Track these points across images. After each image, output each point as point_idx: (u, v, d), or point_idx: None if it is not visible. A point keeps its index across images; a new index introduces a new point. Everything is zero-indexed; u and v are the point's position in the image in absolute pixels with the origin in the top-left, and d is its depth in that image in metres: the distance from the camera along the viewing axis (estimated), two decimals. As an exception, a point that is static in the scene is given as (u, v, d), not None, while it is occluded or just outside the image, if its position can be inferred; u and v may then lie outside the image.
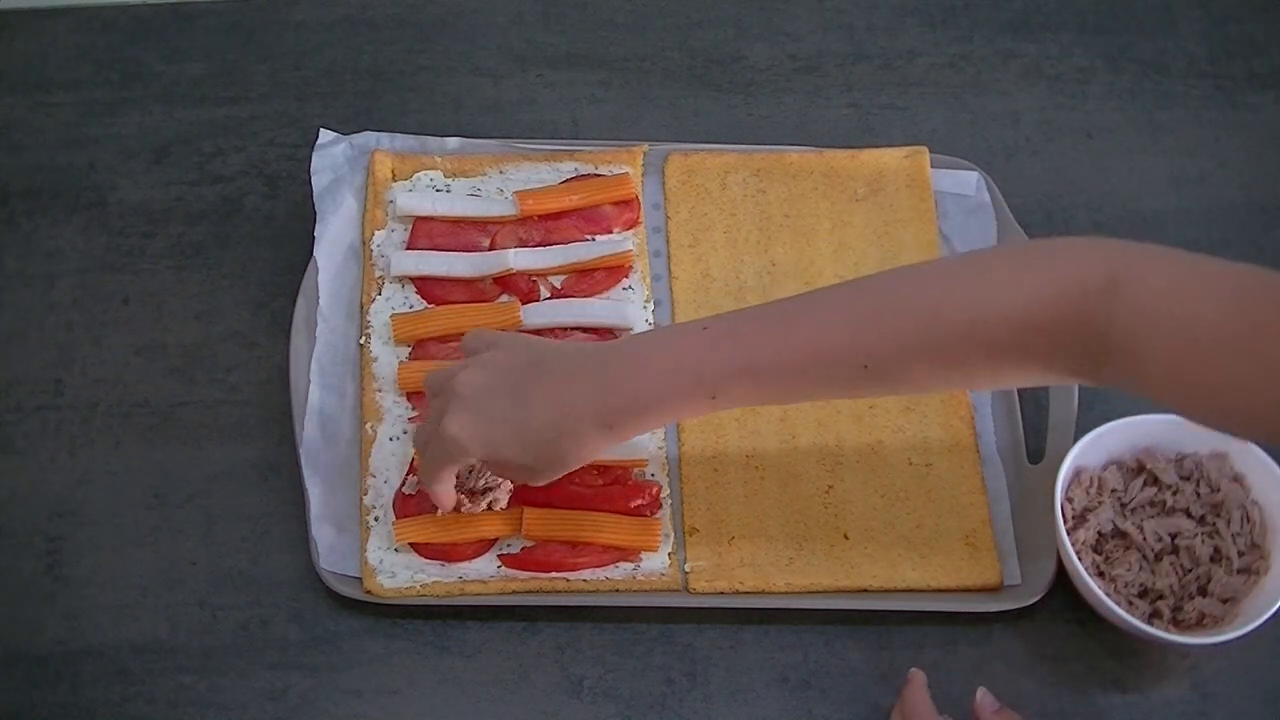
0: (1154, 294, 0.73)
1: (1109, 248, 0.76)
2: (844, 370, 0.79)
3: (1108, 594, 0.90)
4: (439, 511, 0.92)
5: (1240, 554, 0.93)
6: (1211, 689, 0.93)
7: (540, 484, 0.87)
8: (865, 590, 0.94)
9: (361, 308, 1.03)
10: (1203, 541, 0.93)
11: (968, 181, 1.09)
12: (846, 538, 0.96)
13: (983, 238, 1.06)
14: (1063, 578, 0.93)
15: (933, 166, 1.09)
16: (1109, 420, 0.95)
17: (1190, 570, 0.93)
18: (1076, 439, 0.95)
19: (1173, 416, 0.95)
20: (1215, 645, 0.89)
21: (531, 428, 0.82)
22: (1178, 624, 0.91)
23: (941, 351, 0.78)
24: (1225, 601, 0.92)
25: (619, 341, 0.84)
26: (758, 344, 0.80)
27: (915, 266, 0.84)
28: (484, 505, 0.93)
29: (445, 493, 0.90)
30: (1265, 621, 0.88)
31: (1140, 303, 0.73)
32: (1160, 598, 0.92)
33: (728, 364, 0.80)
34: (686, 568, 0.94)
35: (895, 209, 1.08)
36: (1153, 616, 0.91)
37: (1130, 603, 0.92)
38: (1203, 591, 0.92)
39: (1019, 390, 1.01)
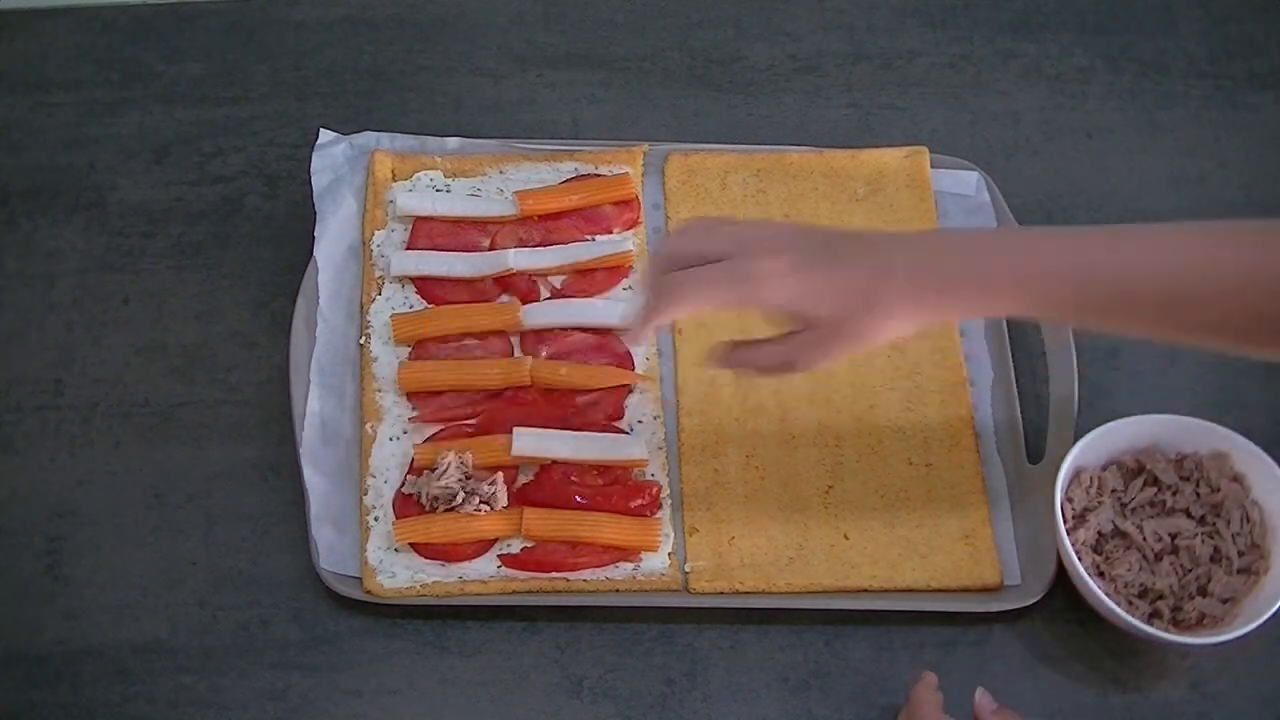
0: None
1: None
2: (1228, 299, 0.77)
3: (1108, 594, 0.90)
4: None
5: (1240, 554, 0.93)
6: (1211, 689, 0.93)
7: (820, 358, 0.81)
8: (865, 590, 0.94)
9: (361, 308, 1.03)
10: (1203, 541, 0.93)
11: (968, 181, 1.09)
12: (846, 538, 0.96)
13: (983, 238, 1.06)
14: (1063, 578, 0.93)
15: (933, 166, 1.09)
16: (1109, 420, 0.95)
17: (1190, 570, 0.93)
18: (1076, 439, 0.95)
19: (1172, 416, 0.95)
20: (1215, 645, 0.89)
21: (846, 281, 0.79)
22: (1178, 624, 0.91)
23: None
24: (1225, 601, 0.92)
25: (928, 230, 0.82)
26: (1085, 256, 0.78)
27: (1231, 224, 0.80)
28: (479, 504, 0.93)
29: (648, 331, 0.84)
30: (1265, 621, 0.88)
31: None
32: (1160, 598, 0.92)
33: (1054, 266, 0.78)
34: (686, 568, 0.94)
35: (895, 209, 1.08)
36: (1153, 616, 0.91)
37: (1130, 603, 0.92)
38: (1203, 591, 0.92)
39: (1019, 390, 1.01)
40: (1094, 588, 0.90)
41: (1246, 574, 0.92)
